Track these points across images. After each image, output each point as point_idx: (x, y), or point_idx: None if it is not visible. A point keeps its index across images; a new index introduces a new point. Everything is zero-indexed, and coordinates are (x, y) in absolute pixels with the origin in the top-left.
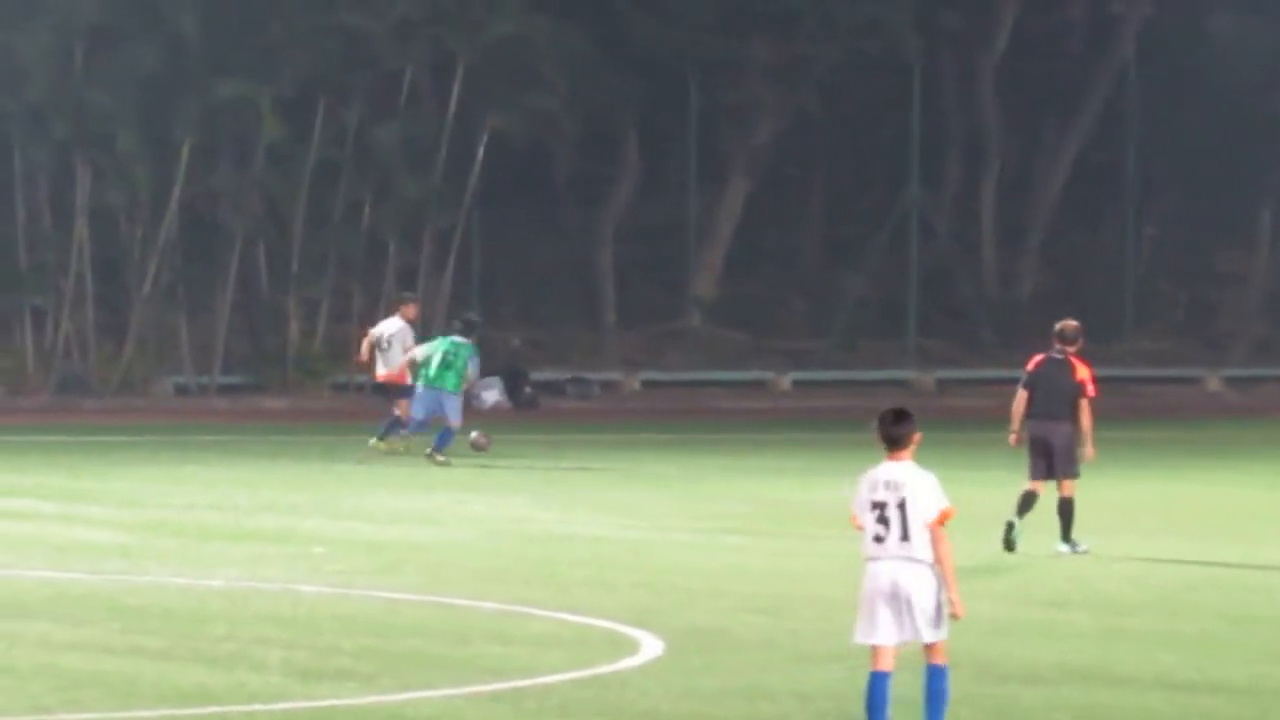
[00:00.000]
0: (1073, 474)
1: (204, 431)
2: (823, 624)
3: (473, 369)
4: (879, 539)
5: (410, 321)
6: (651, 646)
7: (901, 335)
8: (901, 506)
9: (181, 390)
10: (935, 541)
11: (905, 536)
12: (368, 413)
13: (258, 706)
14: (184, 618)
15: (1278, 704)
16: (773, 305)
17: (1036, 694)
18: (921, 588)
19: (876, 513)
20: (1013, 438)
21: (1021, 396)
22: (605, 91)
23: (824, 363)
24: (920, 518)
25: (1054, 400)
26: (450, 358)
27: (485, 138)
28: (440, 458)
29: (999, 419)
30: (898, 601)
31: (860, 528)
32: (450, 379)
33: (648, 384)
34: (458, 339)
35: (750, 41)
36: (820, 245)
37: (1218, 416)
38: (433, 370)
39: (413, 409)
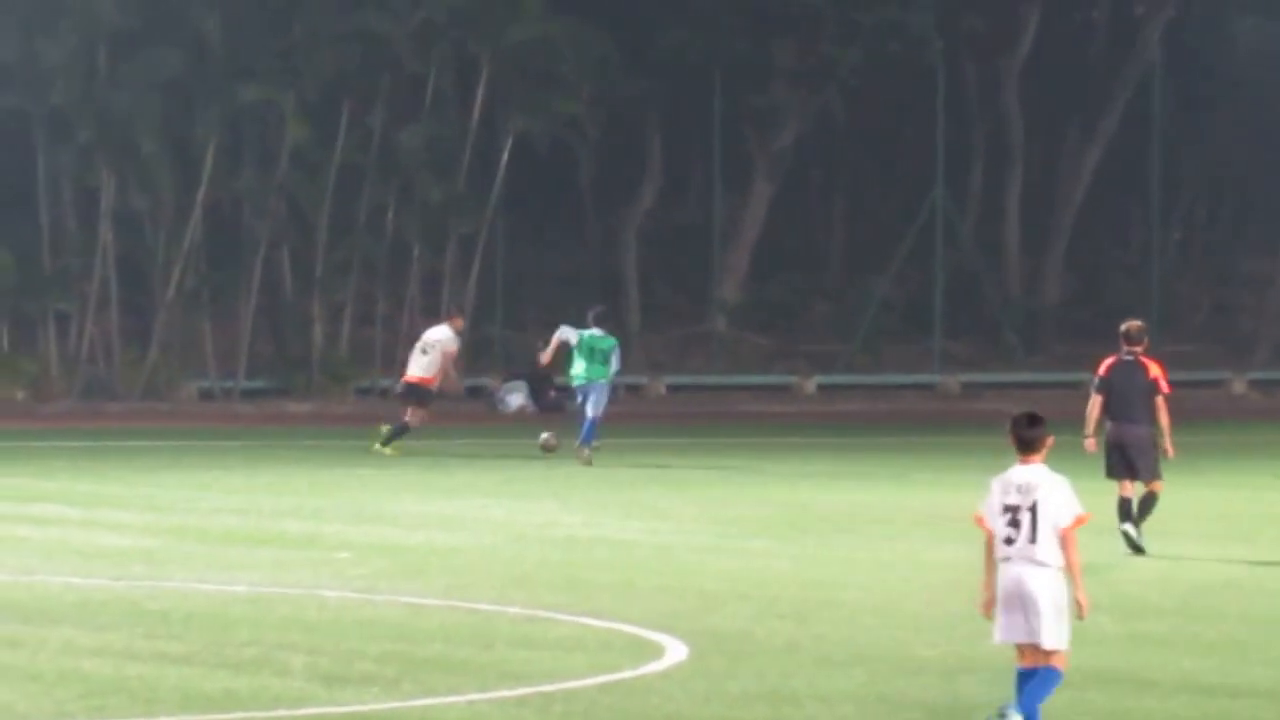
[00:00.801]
0: (1157, 475)
1: (228, 436)
2: (846, 628)
3: (616, 360)
4: (1010, 541)
5: (458, 333)
6: (675, 651)
7: (926, 339)
8: (1033, 510)
9: (206, 394)
10: (1067, 545)
11: (1034, 539)
12: (392, 416)
13: (281, 711)
14: (208, 623)
15: None
16: (797, 309)
17: (1060, 698)
18: (1045, 591)
19: (1009, 516)
20: (1089, 442)
21: (1096, 401)
22: (628, 94)
23: (848, 366)
24: (1051, 522)
25: (1132, 403)
26: (594, 353)
27: (509, 141)
28: (586, 451)
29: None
30: (1022, 603)
31: (987, 530)
32: (597, 372)
33: (672, 387)
34: (596, 332)
35: (773, 45)
36: (844, 249)
37: (1242, 419)
38: (579, 368)
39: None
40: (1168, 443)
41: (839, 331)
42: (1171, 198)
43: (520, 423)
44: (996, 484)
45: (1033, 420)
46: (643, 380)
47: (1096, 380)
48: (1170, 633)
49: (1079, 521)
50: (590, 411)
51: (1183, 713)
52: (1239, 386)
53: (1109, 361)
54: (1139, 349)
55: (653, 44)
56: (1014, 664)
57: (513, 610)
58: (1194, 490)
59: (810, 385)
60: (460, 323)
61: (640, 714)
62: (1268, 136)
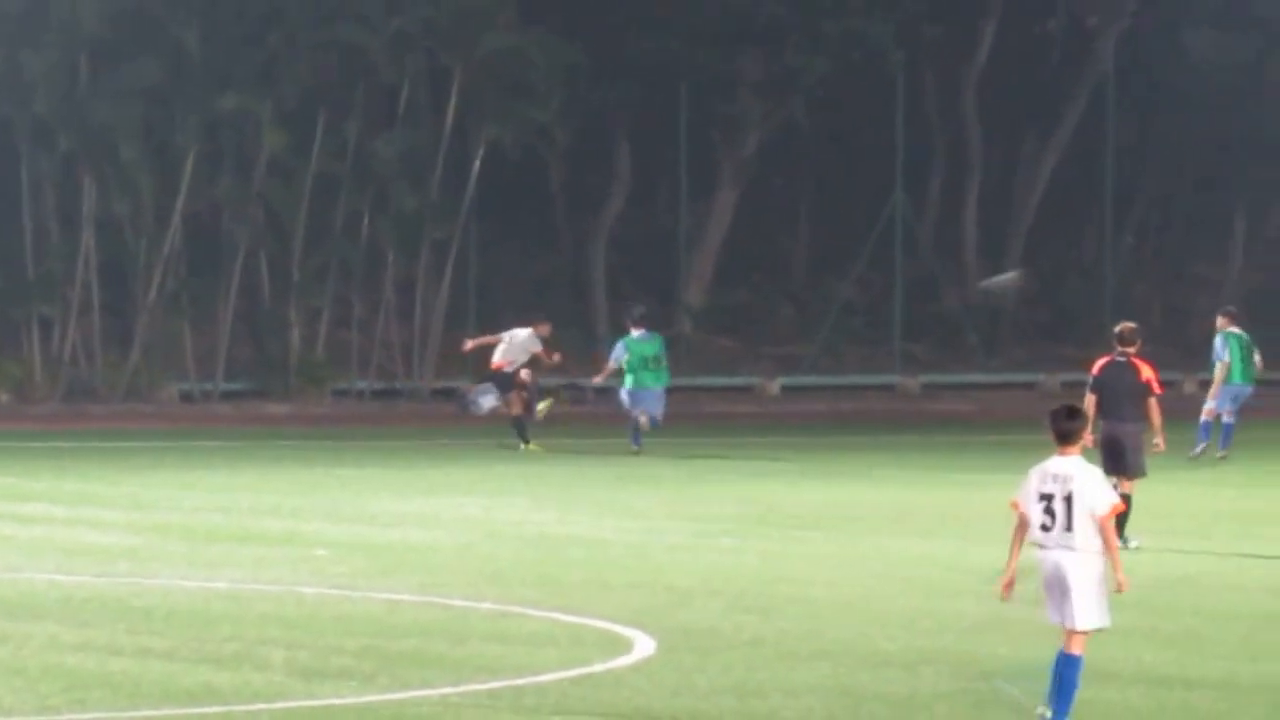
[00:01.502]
0: (1140, 473)
1: (209, 437)
2: (810, 623)
3: (663, 356)
4: (1045, 528)
5: (540, 337)
6: (645, 645)
7: (887, 341)
8: (1068, 499)
9: (186, 396)
10: (1106, 532)
11: (1069, 527)
12: (368, 417)
13: (260, 705)
14: (189, 619)
15: (1252, 699)
16: (761, 312)
17: (1024, 688)
18: (1081, 576)
19: (1044, 504)
20: (1087, 439)
21: (1090, 399)
22: (598, 103)
23: (811, 368)
24: (1086, 510)
25: (1123, 402)
26: (644, 360)
27: (481, 149)
28: (635, 447)
29: (983, 422)
30: (1057, 587)
31: (1021, 513)
32: (647, 377)
33: None
34: (638, 335)
35: (739, 54)
36: (807, 253)
37: (1192, 419)
38: (631, 377)
39: (631, 410)
40: (1159, 438)
41: (802, 334)
42: (1125, 203)
43: (492, 424)
44: (1035, 473)
45: (1071, 414)
46: (611, 382)
47: (1090, 380)
48: (1129, 626)
49: (1115, 510)
50: (651, 422)
51: (1139, 703)
52: (1190, 387)
53: (1102, 361)
54: (1131, 350)
55: (621, 54)
56: (974, 656)
57: (486, 606)
58: (1151, 487)
59: (774, 386)
60: (544, 328)
61: (610, 707)
62: (1218, 144)
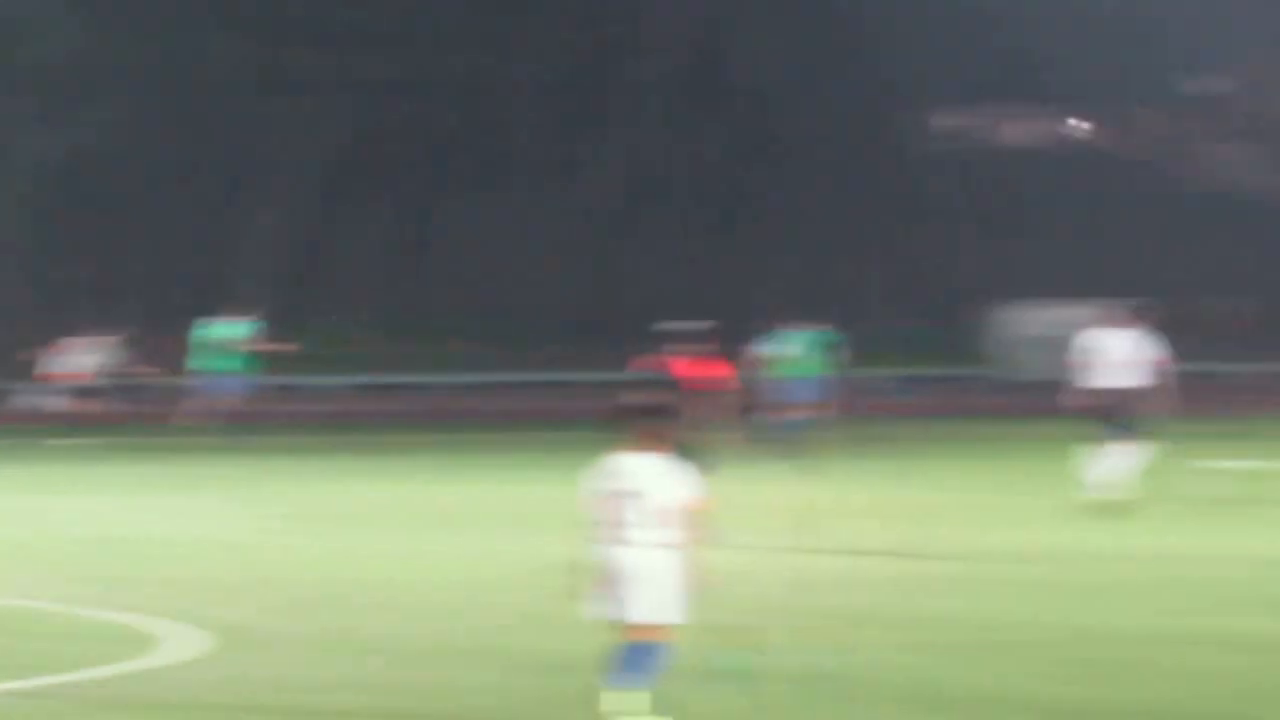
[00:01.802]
0: (708, 470)
1: None
2: (375, 619)
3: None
4: (613, 524)
5: (122, 342)
6: (201, 641)
7: (439, 342)
8: (633, 495)
9: None
10: (686, 528)
11: (634, 523)
12: None
13: None
14: None
15: (874, 692)
16: (330, 314)
17: (571, 681)
18: (646, 571)
19: (610, 500)
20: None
21: (657, 399)
22: (166, 105)
23: (363, 368)
24: (655, 506)
25: (692, 400)
26: (211, 342)
27: (41, 153)
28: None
29: (535, 420)
30: (620, 583)
31: (595, 512)
32: (218, 362)
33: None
34: (214, 322)
35: (300, 54)
36: (379, 254)
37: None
38: (203, 358)
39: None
40: (732, 434)
41: (359, 335)
42: (695, 207)
43: (50, 423)
44: (603, 469)
45: (642, 411)
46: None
47: (656, 378)
48: (738, 624)
49: (692, 505)
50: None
51: (740, 701)
52: (749, 387)
53: (666, 360)
54: (696, 348)
55: (195, 55)
56: (517, 649)
57: (41, 604)
58: (744, 486)
59: (334, 386)
60: (116, 337)
61: (161, 702)
62: (785, 144)
